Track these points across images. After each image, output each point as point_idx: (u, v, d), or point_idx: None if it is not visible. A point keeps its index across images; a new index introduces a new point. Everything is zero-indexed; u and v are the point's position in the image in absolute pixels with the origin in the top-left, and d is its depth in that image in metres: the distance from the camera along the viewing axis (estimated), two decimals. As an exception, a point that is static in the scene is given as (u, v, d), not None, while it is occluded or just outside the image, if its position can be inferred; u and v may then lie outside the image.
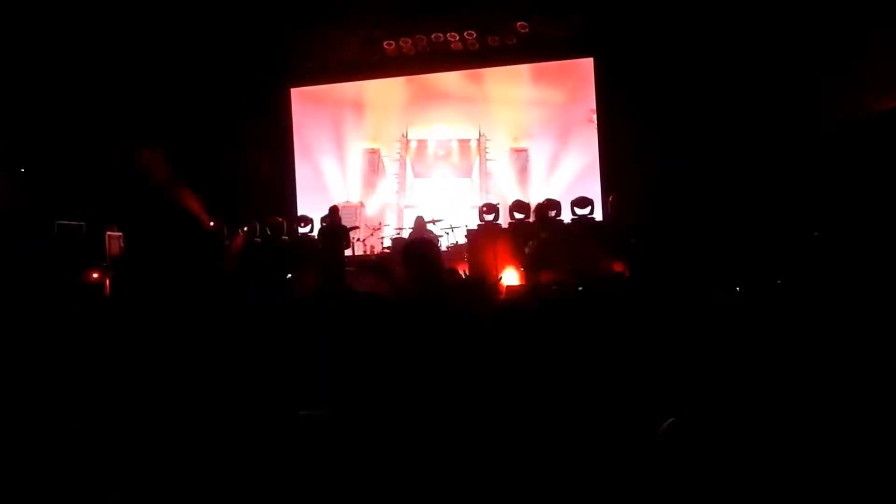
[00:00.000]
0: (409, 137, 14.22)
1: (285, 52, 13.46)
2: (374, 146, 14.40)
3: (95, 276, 10.89)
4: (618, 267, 8.82)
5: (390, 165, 14.30)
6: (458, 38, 13.20)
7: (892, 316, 3.52)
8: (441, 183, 14.11)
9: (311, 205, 13.36)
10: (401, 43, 13.44)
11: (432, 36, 13.26)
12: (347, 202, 14.09)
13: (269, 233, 12.23)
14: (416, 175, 14.23)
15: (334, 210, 11.25)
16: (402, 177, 14.26)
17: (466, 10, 12.77)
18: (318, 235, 11.48)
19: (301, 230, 12.44)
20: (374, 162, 14.37)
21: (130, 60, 12.23)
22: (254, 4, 12.12)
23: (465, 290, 4.75)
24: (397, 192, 14.25)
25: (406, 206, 14.06)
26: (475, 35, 13.15)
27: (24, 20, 11.06)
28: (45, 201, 11.41)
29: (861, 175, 9.25)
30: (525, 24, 12.80)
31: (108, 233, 11.76)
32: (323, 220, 11.35)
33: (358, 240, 12.52)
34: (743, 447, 2.34)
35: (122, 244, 11.88)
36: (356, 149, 14.46)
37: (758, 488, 2.23)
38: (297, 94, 14.64)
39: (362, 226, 13.28)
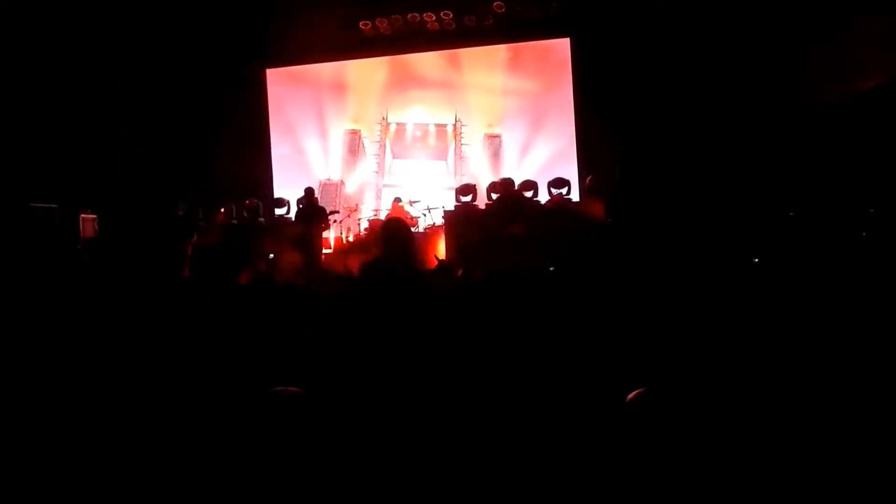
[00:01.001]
0: (388, 120, 14.28)
1: (259, 32, 13.29)
2: (355, 127, 14.48)
3: None
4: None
5: (370, 146, 14.42)
6: (434, 18, 13.11)
7: (866, 295, 3.55)
8: (418, 165, 14.21)
9: (292, 184, 13.31)
10: (377, 23, 13.32)
11: (408, 16, 13.15)
12: (329, 180, 14.25)
13: (245, 215, 12.11)
14: (395, 156, 14.34)
15: (310, 192, 11.15)
16: (381, 157, 14.37)
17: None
18: (295, 218, 11.36)
19: (277, 212, 12.34)
20: (354, 142, 14.45)
21: (103, 42, 12.03)
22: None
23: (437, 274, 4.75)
24: (376, 172, 14.34)
25: (385, 186, 14.21)
26: (452, 15, 13.06)
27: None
28: (17, 183, 11.21)
29: (836, 154, 9.30)
30: (501, 3, 12.72)
31: (82, 215, 11.57)
32: (299, 201, 11.23)
33: (335, 221, 12.49)
34: (721, 423, 2.34)
35: (95, 227, 11.70)
36: (337, 129, 14.48)
37: (729, 461, 2.23)
38: (276, 74, 14.52)
39: (341, 206, 13.28)
